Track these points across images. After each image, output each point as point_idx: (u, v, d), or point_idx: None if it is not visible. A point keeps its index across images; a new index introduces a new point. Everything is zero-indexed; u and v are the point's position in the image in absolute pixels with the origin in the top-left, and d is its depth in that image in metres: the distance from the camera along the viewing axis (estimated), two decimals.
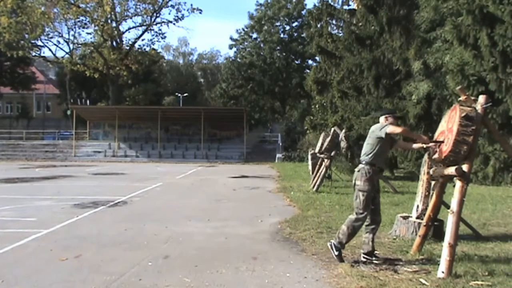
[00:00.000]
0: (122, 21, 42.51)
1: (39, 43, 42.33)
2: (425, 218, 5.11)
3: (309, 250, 5.39)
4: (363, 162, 4.92)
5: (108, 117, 35.09)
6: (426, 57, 13.59)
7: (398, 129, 4.82)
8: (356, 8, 18.13)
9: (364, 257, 4.88)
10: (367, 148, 4.94)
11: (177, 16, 41.95)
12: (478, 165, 12.54)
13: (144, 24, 42.54)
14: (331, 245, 4.89)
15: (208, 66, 72.08)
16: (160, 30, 43.58)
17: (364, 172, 4.86)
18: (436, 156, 4.79)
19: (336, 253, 4.83)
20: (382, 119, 5.11)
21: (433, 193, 5.29)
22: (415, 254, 4.95)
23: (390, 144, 5.07)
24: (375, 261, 4.80)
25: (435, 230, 5.60)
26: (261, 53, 46.43)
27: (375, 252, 4.97)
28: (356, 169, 4.99)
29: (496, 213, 8.00)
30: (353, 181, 4.97)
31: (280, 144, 35.61)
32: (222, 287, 4.10)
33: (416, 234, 5.41)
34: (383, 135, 4.81)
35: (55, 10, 38.85)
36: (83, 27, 41.10)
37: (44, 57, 45.27)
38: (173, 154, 32.68)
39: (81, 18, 39.51)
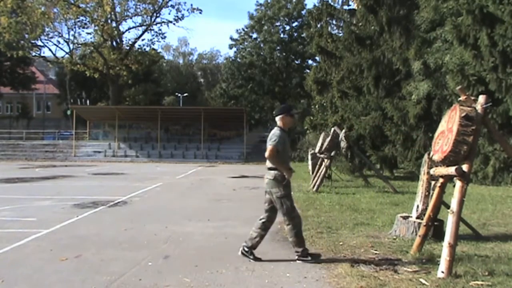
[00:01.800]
0: (122, 21, 42.56)
1: (39, 43, 42.40)
2: (425, 218, 5.11)
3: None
4: (273, 168, 4.86)
5: (108, 117, 35.09)
6: (426, 57, 13.59)
7: (269, 156, 4.79)
8: (356, 8, 18.14)
9: (244, 250, 4.93)
10: None
11: (177, 16, 42.00)
12: (478, 165, 12.54)
13: (144, 24, 42.57)
14: (299, 260, 4.82)
15: (208, 66, 72.09)
16: (160, 30, 43.65)
17: (279, 178, 4.83)
18: (436, 156, 4.79)
19: (309, 258, 4.82)
20: (277, 119, 5.05)
21: (433, 193, 5.28)
22: (415, 254, 4.94)
23: (287, 143, 5.04)
24: (251, 258, 4.85)
25: (435, 230, 5.59)
26: (261, 53, 46.42)
27: (254, 251, 4.97)
28: (270, 177, 4.87)
29: (496, 213, 8.00)
30: (269, 189, 4.89)
31: None
32: (222, 287, 4.09)
33: (416, 234, 5.40)
34: (267, 150, 4.84)
35: (55, 10, 38.84)
36: (83, 27, 41.16)
37: (44, 57, 45.28)
38: (173, 154, 32.68)
39: (81, 18, 39.52)
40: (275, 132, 4.95)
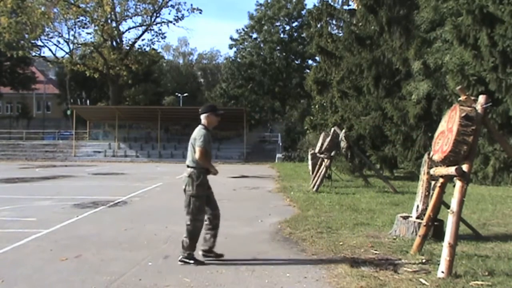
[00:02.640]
0: (122, 21, 42.56)
1: (39, 43, 42.41)
2: (425, 218, 5.11)
3: (309, 250, 5.39)
4: (192, 166, 4.87)
5: (108, 117, 35.09)
6: (426, 57, 13.59)
7: (198, 157, 4.78)
8: (356, 8, 18.14)
9: (203, 254, 4.92)
10: (193, 152, 4.88)
11: (177, 16, 42.01)
12: (478, 165, 12.54)
13: (144, 24, 42.57)
14: (181, 261, 4.81)
15: (208, 66, 72.08)
16: (160, 30, 43.65)
17: (195, 177, 4.82)
18: (436, 156, 4.79)
19: (192, 261, 4.79)
20: (202, 117, 5.04)
21: (433, 193, 5.28)
22: (415, 254, 4.94)
23: (211, 142, 5.03)
24: (214, 259, 4.85)
25: (435, 230, 5.59)
26: (261, 53, 46.41)
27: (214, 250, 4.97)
28: (186, 174, 4.88)
29: (496, 213, 8.00)
30: (183, 187, 4.88)
31: (280, 144, 35.62)
32: (222, 287, 4.09)
33: (416, 234, 5.40)
34: (194, 152, 4.82)
35: (55, 10, 38.86)
36: (83, 27, 41.16)
37: (44, 57, 45.29)
38: (173, 154, 32.67)
39: (81, 18, 39.54)
40: (200, 132, 4.93)
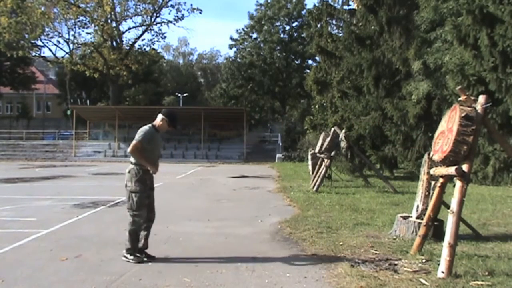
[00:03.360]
0: (122, 21, 42.56)
1: (39, 43, 42.44)
2: (425, 218, 5.11)
3: (309, 250, 5.39)
4: (133, 163, 4.94)
5: (108, 117, 35.09)
6: (426, 57, 13.59)
7: (130, 150, 4.83)
8: (356, 8, 18.15)
9: (137, 256, 4.96)
10: None
11: (177, 16, 42.02)
12: (478, 165, 12.54)
13: (144, 24, 42.56)
14: (124, 257, 4.89)
15: (208, 66, 72.10)
16: (160, 30, 43.65)
17: (134, 173, 4.90)
18: (436, 156, 4.79)
19: (131, 257, 4.86)
20: (158, 117, 5.13)
21: (433, 193, 5.28)
22: (415, 254, 4.94)
23: (157, 142, 5.11)
24: (145, 259, 4.89)
25: (435, 230, 5.59)
26: (261, 53, 46.42)
27: (146, 251, 5.02)
28: (126, 170, 4.98)
29: (496, 213, 8.00)
30: (125, 182, 4.97)
31: (280, 144, 35.62)
32: (222, 287, 4.10)
33: (416, 234, 5.40)
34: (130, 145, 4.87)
35: (55, 10, 38.88)
36: (83, 27, 41.18)
37: (44, 57, 45.29)
38: (173, 154, 32.67)
39: (81, 18, 39.55)
40: (144, 128, 5.00)
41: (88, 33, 64.95)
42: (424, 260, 4.74)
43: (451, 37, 11.95)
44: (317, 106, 25.51)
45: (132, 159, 4.98)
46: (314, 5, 31.14)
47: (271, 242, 5.86)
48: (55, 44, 56.52)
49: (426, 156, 6.14)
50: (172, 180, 15.98)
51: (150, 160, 4.97)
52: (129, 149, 4.88)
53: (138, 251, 4.98)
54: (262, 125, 48.14)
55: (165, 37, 67.74)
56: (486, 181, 12.68)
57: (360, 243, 5.63)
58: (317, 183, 11.87)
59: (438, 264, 4.29)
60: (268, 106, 47.99)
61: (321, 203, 9.27)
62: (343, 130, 12.48)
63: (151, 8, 41.30)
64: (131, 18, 42.27)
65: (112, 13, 39.96)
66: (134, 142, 4.87)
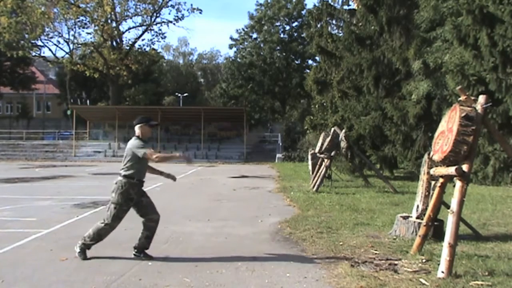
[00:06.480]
0: (122, 21, 42.59)
1: (39, 43, 42.44)
2: (425, 218, 5.11)
3: (309, 250, 5.39)
4: (121, 175, 4.95)
5: (108, 117, 35.07)
6: (426, 56, 13.59)
7: (153, 157, 4.80)
8: (356, 8, 18.14)
9: (134, 254, 5.02)
10: (125, 161, 4.95)
11: (177, 16, 42.06)
12: (478, 165, 12.54)
13: (144, 24, 42.60)
14: (78, 249, 4.97)
15: (208, 66, 72.06)
16: (160, 30, 43.72)
17: (120, 185, 4.92)
18: (436, 156, 4.79)
19: (80, 252, 4.94)
20: (136, 128, 5.06)
21: (433, 193, 5.28)
22: (415, 254, 4.94)
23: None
24: (143, 258, 4.94)
25: (435, 230, 5.59)
26: (261, 53, 46.42)
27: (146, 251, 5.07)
28: (114, 181, 4.99)
29: (496, 213, 8.00)
30: (111, 191, 4.99)
31: (280, 144, 35.62)
32: (222, 287, 4.09)
33: (416, 234, 5.40)
34: (140, 156, 4.84)
35: (55, 10, 38.92)
36: (83, 27, 41.20)
37: (44, 57, 45.30)
38: None
39: (81, 18, 39.58)
40: (135, 141, 4.97)
41: (88, 33, 65.15)
42: (424, 260, 4.74)
43: (451, 37, 11.94)
44: (317, 106, 25.50)
45: (121, 171, 4.96)
46: (314, 5, 31.16)
47: (271, 242, 5.86)
48: (55, 44, 56.60)
49: (426, 156, 6.14)
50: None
51: (142, 173, 5.01)
52: (152, 158, 4.78)
53: (138, 250, 5.01)
54: (262, 125, 48.12)
55: (165, 37, 67.89)
56: (486, 181, 12.68)
57: (360, 243, 5.63)
58: (317, 183, 11.87)
59: (438, 264, 4.29)
60: (268, 106, 47.97)
61: (321, 203, 9.27)
62: (343, 130, 12.48)
63: (151, 8, 41.33)
64: (131, 18, 42.35)
65: (112, 13, 39.97)
66: (145, 150, 4.80)
